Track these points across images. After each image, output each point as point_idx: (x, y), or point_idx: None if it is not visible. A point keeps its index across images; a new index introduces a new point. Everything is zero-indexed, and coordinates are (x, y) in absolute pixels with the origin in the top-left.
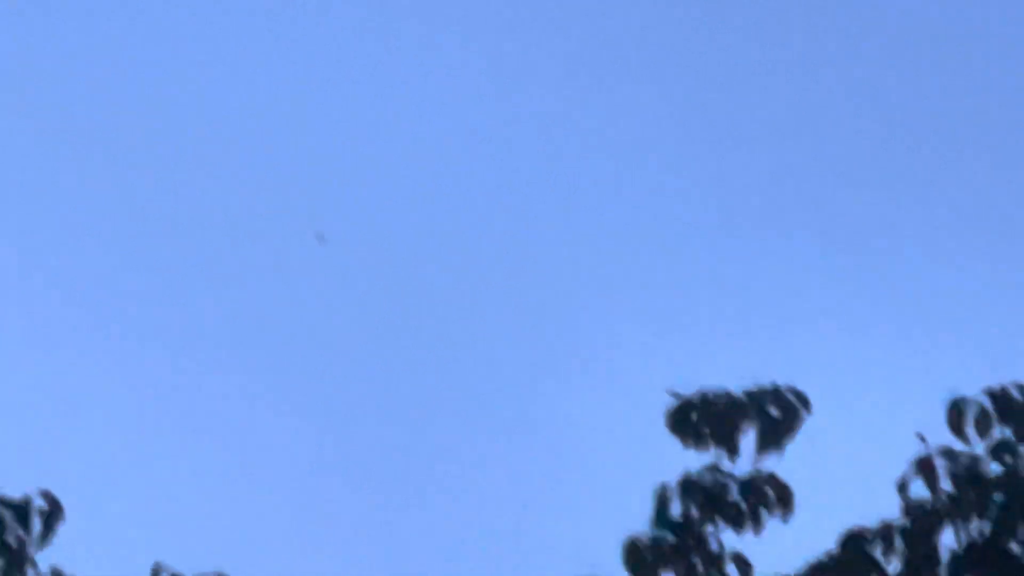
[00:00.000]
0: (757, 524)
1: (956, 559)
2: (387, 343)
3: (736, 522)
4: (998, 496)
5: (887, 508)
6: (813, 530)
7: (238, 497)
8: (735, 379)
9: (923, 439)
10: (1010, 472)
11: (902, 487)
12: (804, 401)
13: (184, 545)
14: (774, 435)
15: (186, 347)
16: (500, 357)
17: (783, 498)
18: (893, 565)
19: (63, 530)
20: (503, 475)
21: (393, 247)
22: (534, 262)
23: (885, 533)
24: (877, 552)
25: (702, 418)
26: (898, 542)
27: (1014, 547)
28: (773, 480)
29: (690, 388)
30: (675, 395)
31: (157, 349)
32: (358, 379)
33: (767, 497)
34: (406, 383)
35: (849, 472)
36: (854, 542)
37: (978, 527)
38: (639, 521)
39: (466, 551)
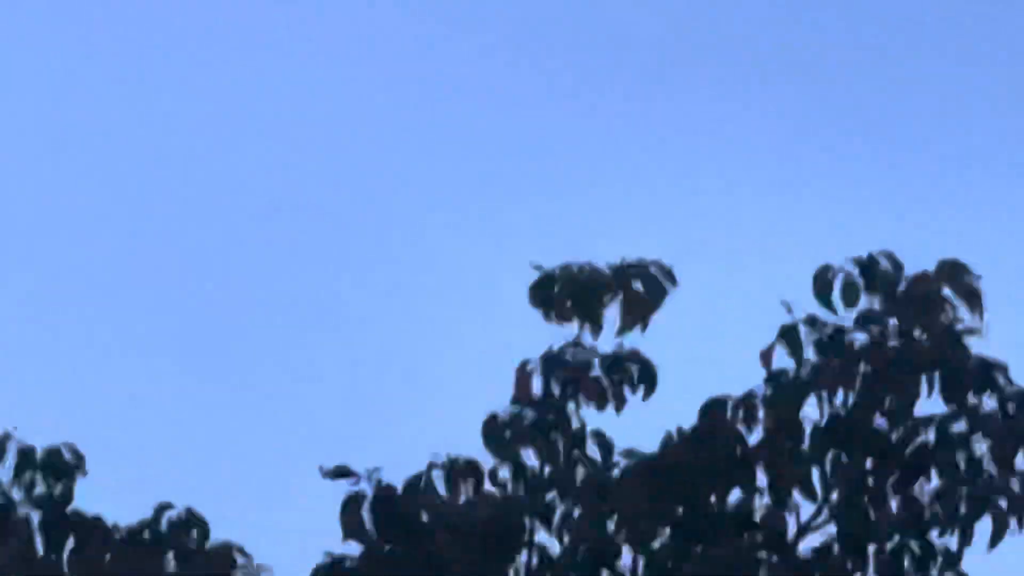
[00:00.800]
0: (620, 401)
1: (819, 430)
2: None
3: (598, 399)
4: (863, 367)
5: (753, 380)
6: (679, 406)
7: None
8: (601, 255)
9: (788, 308)
10: (876, 342)
11: (766, 356)
12: (669, 275)
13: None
14: (638, 310)
15: None
16: (364, 233)
17: (646, 375)
18: (755, 435)
19: None
20: (366, 353)
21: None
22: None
23: (747, 402)
24: (739, 422)
25: (564, 292)
26: (760, 412)
27: (878, 420)
28: (636, 356)
29: (554, 262)
30: (538, 268)
31: None
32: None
33: (630, 374)
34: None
35: (717, 345)
36: (715, 411)
37: (842, 399)
38: (501, 399)
39: (328, 431)
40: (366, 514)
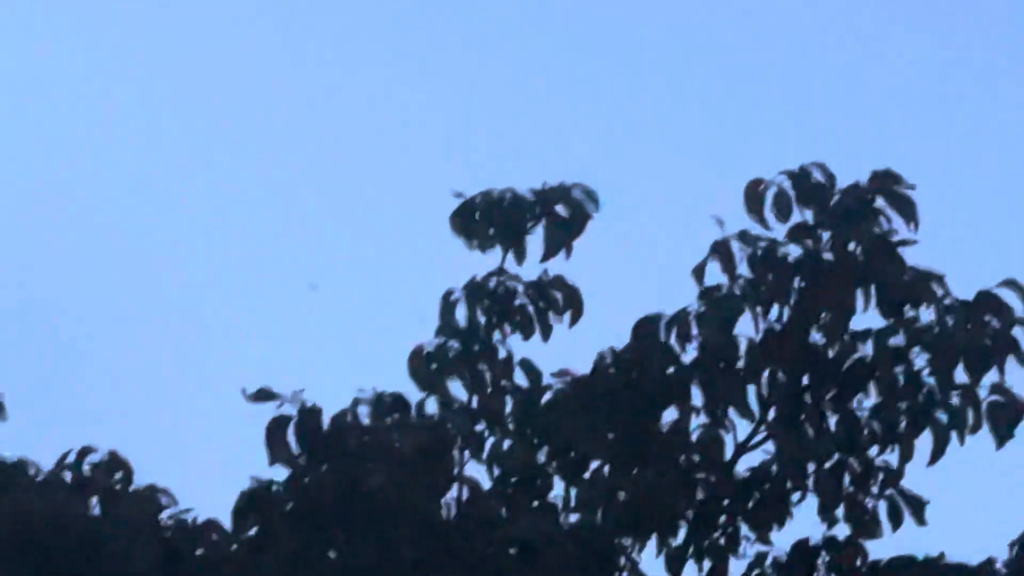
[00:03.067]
0: (546, 329)
1: (754, 347)
2: None
3: (524, 327)
4: (798, 281)
5: (685, 300)
6: (608, 333)
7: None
8: (524, 181)
9: (720, 223)
10: (810, 256)
11: (698, 273)
12: (593, 198)
13: None
14: (562, 235)
15: None
16: (288, 162)
17: (572, 301)
18: (689, 354)
19: None
20: (291, 284)
21: None
22: None
23: (681, 320)
24: (672, 340)
25: (486, 218)
26: (694, 329)
27: (814, 335)
28: (562, 283)
29: (475, 189)
30: (459, 195)
31: None
32: None
33: (556, 300)
34: None
35: (646, 267)
36: (647, 329)
37: (777, 314)
38: (426, 331)
39: (253, 365)
40: (292, 437)
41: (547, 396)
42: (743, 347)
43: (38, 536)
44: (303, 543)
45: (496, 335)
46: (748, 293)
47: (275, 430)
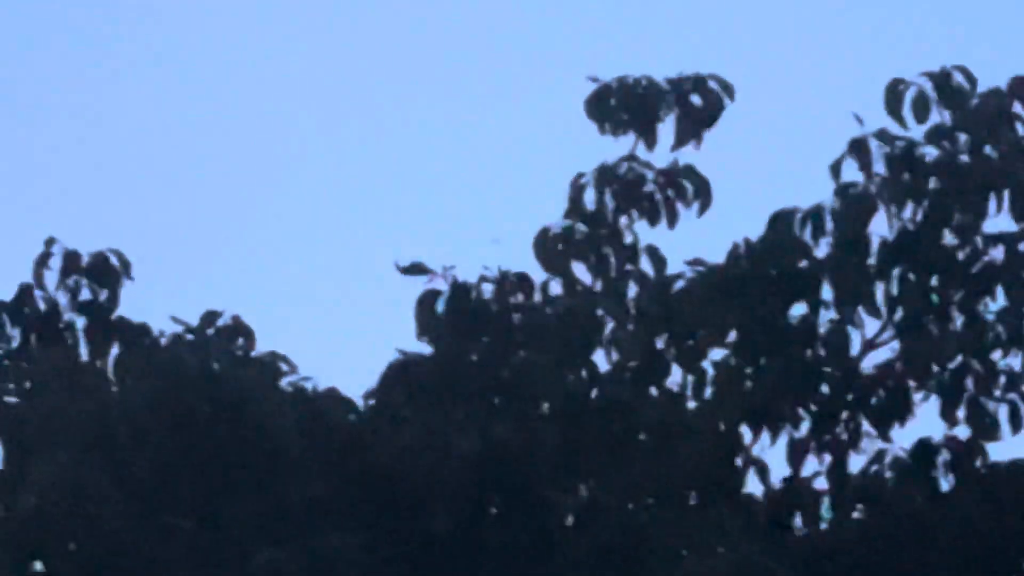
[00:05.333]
0: (672, 216)
1: (887, 245)
2: None
3: (652, 214)
4: (933, 182)
5: (820, 194)
6: (738, 225)
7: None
8: (661, 69)
9: (859, 120)
10: (947, 158)
11: (835, 169)
12: (728, 89)
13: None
14: (695, 124)
15: None
16: (431, 51)
17: (701, 190)
18: (822, 248)
19: None
20: (422, 162)
21: None
22: None
23: (816, 215)
24: (807, 234)
25: (620, 104)
26: (828, 225)
27: (947, 236)
28: (691, 172)
29: (611, 75)
30: (594, 80)
31: None
32: None
33: (684, 189)
34: None
35: (780, 162)
36: (782, 223)
37: (911, 214)
38: (555, 213)
39: (383, 239)
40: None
41: (677, 284)
42: (875, 245)
43: (186, 391)
44: (444, 417)
45: (623, 220)
46: (883, 191)
47: (425, 303)
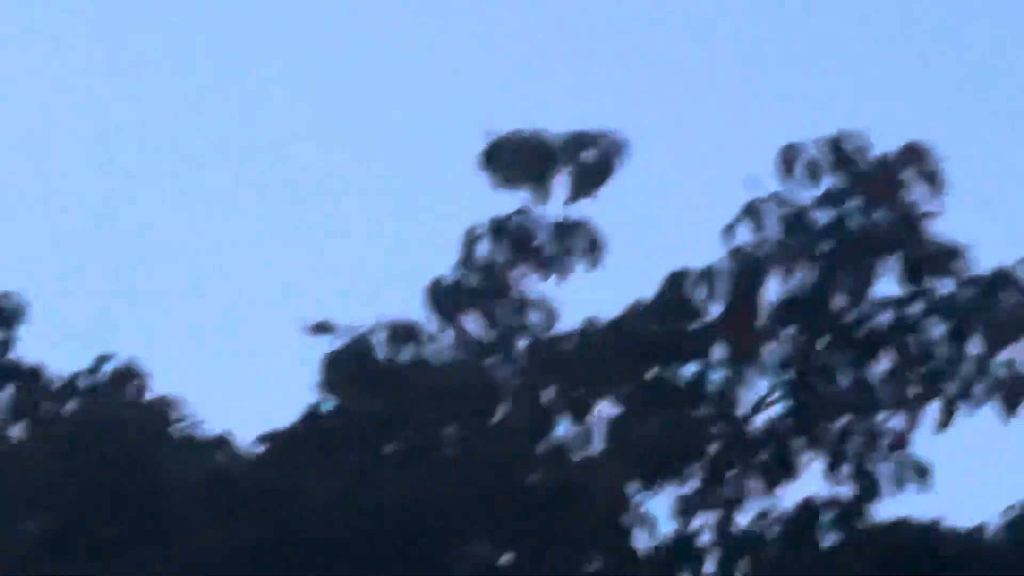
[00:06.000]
0: (563, 270)
1: (779, 306)
2: None
3: (543, 268)
4: (826, 245)
5: (710, 256)
6: (629, 279)
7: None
8: (556, 124)
9: (754, 183)
10: (839, 221)
11: (728, 231)
12: (622, 147)
13: None
14: (588, 179)
15: None
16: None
17: (593, 245)
18: (714, 309)
19: None
20: (315, 212)
21: None
22: None
23: (709, 276)
24: (700, 295)
25: (515, 157)
26: (721, 287)
27: (838, 299)
28: (583, 226)
29: (506, 127)
30: (490, 133)
31: None
32: None
33: (576, 243)
34: None
35: (673, 219)
36: (676, 284)
37: (803, 276)
38: (447, 265)
39: (277, 290)
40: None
41: (566, 337)
42: (766, 306)
43: (96, 444)
44: (352, 472)
45: (515, 273)
46: (775, 254)
47: (333, 361)
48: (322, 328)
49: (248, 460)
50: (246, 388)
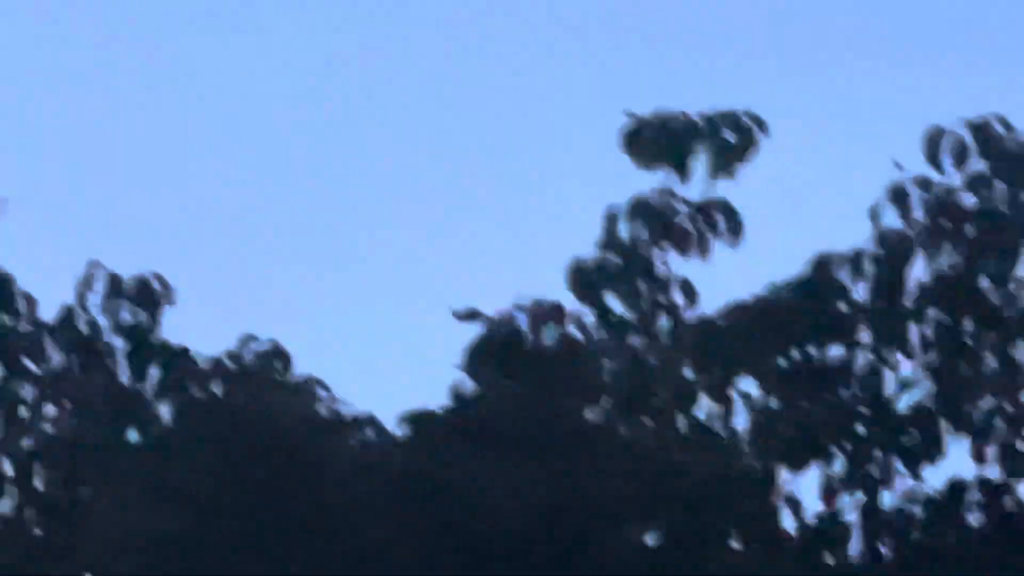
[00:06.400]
0: (704, 249)
1: (924, 290)
2: None
3: (683, 246)
4: (971, 229)
5: (852, 238)
6: (767, 260)
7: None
8: (696, 105)
9: (899, 166)
10: (985, 205)
11: (874, 214)
12: (761, 125)
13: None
14: (727, 159)
15: None
16: (464, 81)
17: (733, 224)
18: (860, 291)
19: None
20: (459, 197)
21: None
22: None
23: (856, 259)
24: (845, 277)
25: (656, 138)
26: (868, 269)
27: (983, 281)
28: (723, 205)
29: (647, 110)
30: (631, 115)
31: None
32: None
33: (716, 222)
34: None
35: (816, 201)
36: (824, 266)
37: (949, 259)
38: (589, 245)
39: (417, 273)
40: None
41: (710, 317)
42: (913, 288)
43: (249, 442)
44: (514, 466)
45: (656, 252)
46: (922, 237)
47: (480, 348)
48: (467, 315)
49: (398, 445)
50: (389, 373)
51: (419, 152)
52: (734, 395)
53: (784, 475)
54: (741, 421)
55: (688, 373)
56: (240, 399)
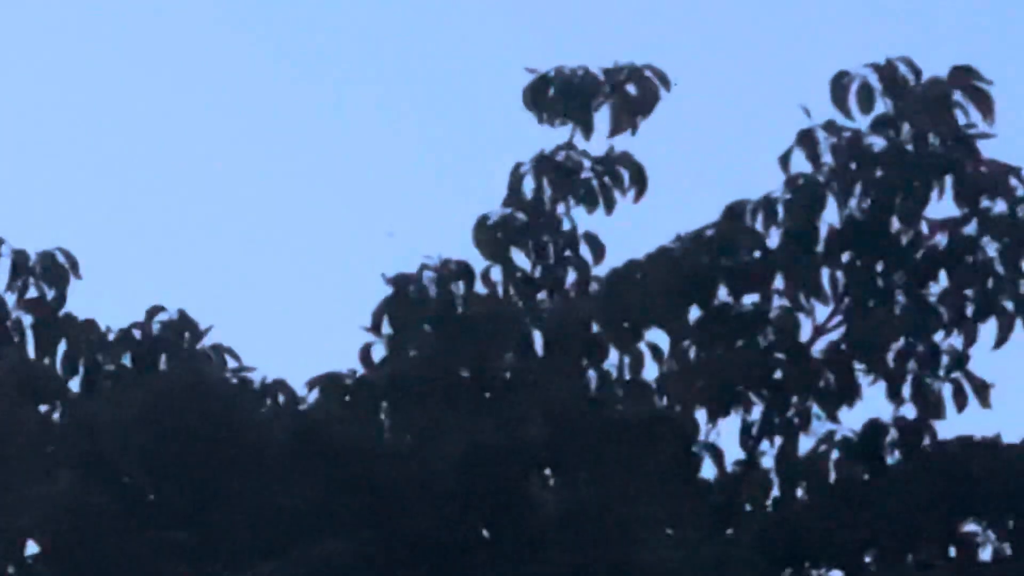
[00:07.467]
0: (609, 203)
1: (835, 233)
2: None
3: (588, 201)
4: (880, 171)
5: (764, 188)
6: (678, 214)
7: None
8: (597, 59)
9: (807, 112)
10: (892, 147)
11: (784, 162)
12: (663, 79)
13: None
14: (630, 113)
15: None
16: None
17: (637, 177)
18: (772, 238)
19: None
20: (362, 156)
21: None
22: None
23: (767, 205)
24: (758, 224)
25: (558, 94)
26: (779, 215)
27: (894, 223)
28: (626, 159)
29: (549, 65)
30: (532, 71)
31: None
32: None
33: (620, 176)
34: None
35: (726, 154)
36: (735, 213)
37: (859, 202)
38: (494, 201)
39: (322, 231)
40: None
41: (618, 269)
42: (824, 233)
43: (177, 404)
44: (432, 420)
45: (561, 208)
46: (832, 182)
47: (387, 309)
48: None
49: (308, 407)
50: (305, 343)
51: (327, 112)
52: (643, 348)
53: (703, 424)
54: (652, 374)
55: (596, 327)
56: (150, 370)
